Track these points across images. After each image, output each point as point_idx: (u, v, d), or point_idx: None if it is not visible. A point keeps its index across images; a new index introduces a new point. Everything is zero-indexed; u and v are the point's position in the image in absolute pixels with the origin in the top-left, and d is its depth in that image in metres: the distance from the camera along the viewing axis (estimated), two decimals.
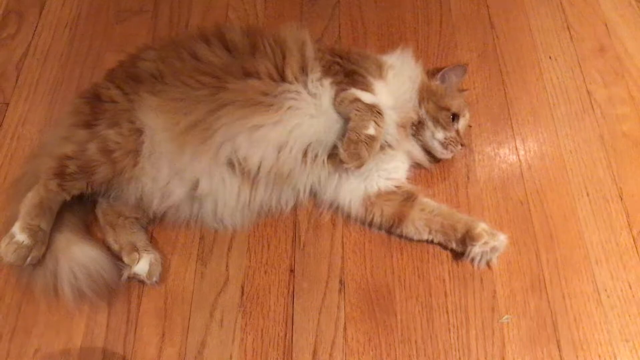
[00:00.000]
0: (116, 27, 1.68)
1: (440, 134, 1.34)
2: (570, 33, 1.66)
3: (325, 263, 1.27)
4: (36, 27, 1.67)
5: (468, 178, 1.39)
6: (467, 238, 1.22)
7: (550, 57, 1.61)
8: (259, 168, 1.22)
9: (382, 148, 1.28)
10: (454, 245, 1.26)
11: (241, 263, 1.27)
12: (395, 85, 1.33)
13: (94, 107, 1.26)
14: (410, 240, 1.29)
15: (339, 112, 1.25)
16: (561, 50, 1.63)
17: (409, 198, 1.28)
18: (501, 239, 1.23)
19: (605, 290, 1.23)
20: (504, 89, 1.55)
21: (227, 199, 1.25)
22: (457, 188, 1.38)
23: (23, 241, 1.15)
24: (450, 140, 1.34)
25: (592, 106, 1.51)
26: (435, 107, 1.34)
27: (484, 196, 1.37)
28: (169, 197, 1.23)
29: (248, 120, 1.20)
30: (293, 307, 1.22)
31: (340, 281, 1.24)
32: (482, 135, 1.47)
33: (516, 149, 1.44)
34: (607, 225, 1.32)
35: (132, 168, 1.21)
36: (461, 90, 1.46)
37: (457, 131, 1.36)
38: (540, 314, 1.21)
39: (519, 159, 1.43)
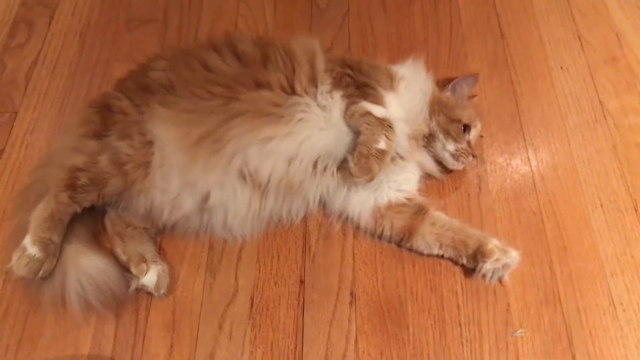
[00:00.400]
0: (125, 35, 1.67)
1: (451, 146, 1.33)
2: (581, 43, 1.65)
3: (336, 274, 1.25)
4: (46, 36, 1.67)
5: (480, 189, 1.38)
6: (479, 254, 1.20)
7: (561, 68, 1.60)
8: (269, 179, 1.21)
9: (392, 159, 1.27)
10: (464, 261, 1.24)
11: (250, 274, 1.25)
12: (406, 97, 1.31)
13: (104, 118, 1.25)
14: (421, 254, 1.27)
15: (349, 126, 1.24)
16: (572, 60, 1.62)
17: (419, 211, 1.27)
18: (513, 256, 1.20)
19: (621, 303, 1.21)
20: (515, 99, 1.54)
21: (237, 209, 1.23)
22: (469, 199, 1.36)
23: (35, 254, 1.14)
24: (462, 152, 1.33)
25: (605, 116, 1.50)
26: (446, 119, 1.33)
27: (496, 207, 1.35)
28: (179, 208, 1.22)
29: (259, 132, 1.19)
30: (303, 319, 1.20)
31: (351, 293, 1.23)
32: (494, 146, 1.46)
33: (528, 159, 1.43)
34: (622, 237, 1.30)
35: (142, 180, 1.20)
36: (471, 97, 1.44)
37: (469, 142, 1.35)
38: (554, 327, 1.18)
39: (532, 169, 1.41)
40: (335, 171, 1.26)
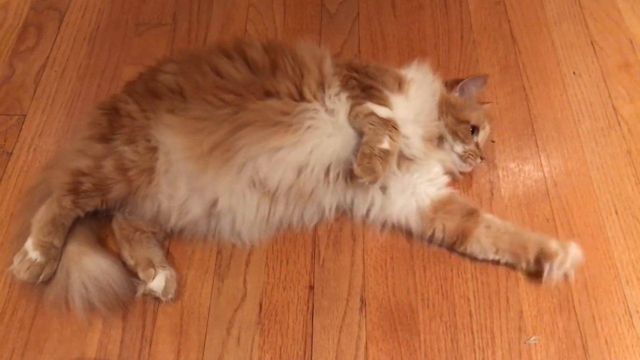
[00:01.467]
0: (135, 39, 1.67)
1: (459, 147, 1.32)
2: (594, 48, 1.64)
3: (346, 280, 1.23)
4: (55, 39, 1.67)
5: (492, 194, 1.36)
6: (542, 257, 1.18)
7: (574, 73, 1.58)
8: (278, 187, 1.20)
9: (409, 161, 1.26)
10: (524, 266, 1.21)
11: (259, 279, 1.24)
12: (418, 99, 1.30)
13: (111, 121, 1.24)
14: (474, 259, 1.24)
15: (353, 127, 1.23)
16: (585, 65, 1.60)
17: (471, 213, 1.24)
18: (575, 251, 1.18)
19: (637, 312, 1.18)
20: (528, 105, 1.52)
21: (246, 214, 1.22)
22: (481, 204, 1.34)
23: (36, 259, 1.13)
24: (470, 153, 1.31)
25: (619, 122, 1.48)
26: (454, 121, 1.32)
27: (509, 213, 1.33)
28: (186, 214, 1.21)
29: (267, 142, 1.17)
30: (312, 325, 1.18)
31: (361, 299, 1.21)
32: (506, 151, 1.44)
33: (541, 165, 1.41)
34: (637, 244, 1.28)
35: (147, 186, 1.19)
36: (483, 103, 1.43)
37: (477, 144, 1.34)
38: (569, 335, 1.16)
39: (544, 175, 1.39)
40: (349, 178, 1.23)
